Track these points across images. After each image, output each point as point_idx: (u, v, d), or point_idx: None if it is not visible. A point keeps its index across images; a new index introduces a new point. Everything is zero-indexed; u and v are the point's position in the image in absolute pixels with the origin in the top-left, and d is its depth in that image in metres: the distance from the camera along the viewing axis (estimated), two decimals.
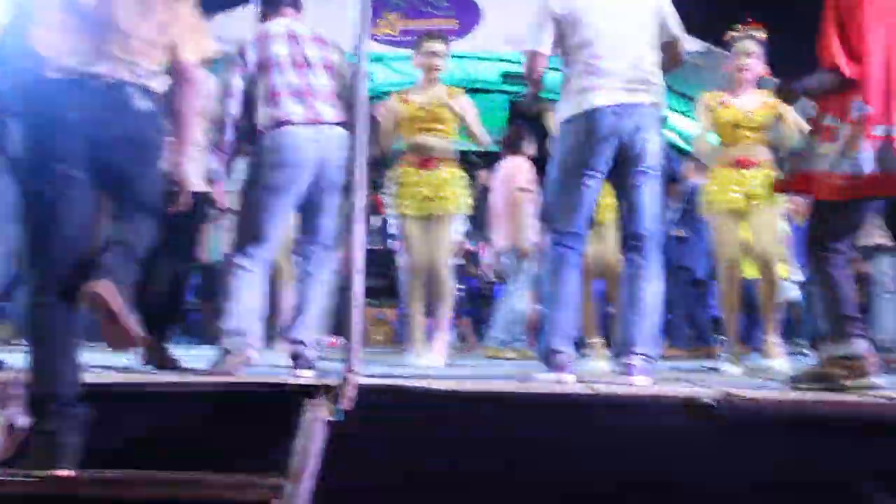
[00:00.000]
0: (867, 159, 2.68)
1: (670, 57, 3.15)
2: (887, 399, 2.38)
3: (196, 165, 3.15)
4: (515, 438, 2.24)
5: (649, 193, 3.02)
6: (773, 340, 3.97)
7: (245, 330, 2.98)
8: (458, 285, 5.58)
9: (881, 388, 2.54)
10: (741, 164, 3.97)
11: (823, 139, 2.78)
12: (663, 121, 3.23)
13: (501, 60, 7.62)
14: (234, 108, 3.10)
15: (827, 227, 2.81)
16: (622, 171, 3.01)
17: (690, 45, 4.12)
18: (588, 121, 2.96)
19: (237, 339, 2.97)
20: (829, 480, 2.13)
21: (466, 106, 4.24)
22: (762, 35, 4.02)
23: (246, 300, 3.02)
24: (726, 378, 3.49)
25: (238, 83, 3.11)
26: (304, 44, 3.15)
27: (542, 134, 4.50)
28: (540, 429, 2.26)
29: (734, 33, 4.03)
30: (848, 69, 2.71)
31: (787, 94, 3.25)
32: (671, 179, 5.29)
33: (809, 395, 2.50)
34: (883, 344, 4.39)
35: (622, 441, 2.21)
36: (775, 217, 4.02)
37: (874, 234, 4.25)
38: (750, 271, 4.27)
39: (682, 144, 7.87)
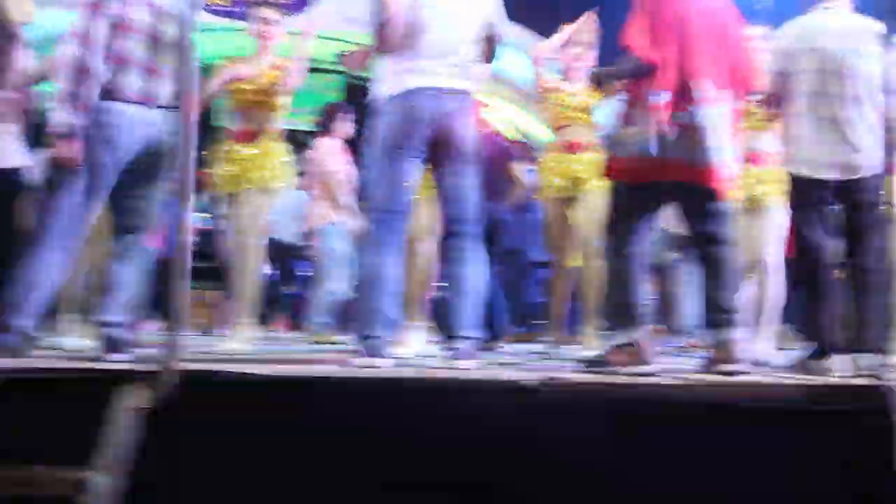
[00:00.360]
0: (662, 144, 2.88)
1: (487, 51, 3.19)
2: (703, 383, 2.56)
3: (7, 140, 2.90)
4: (339, 423, 2.20)
5: (469, 178, 3.05)
6: (591, 331, 4.11)
7: (32, 311, 2.79)
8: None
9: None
10: (570, 147, 4.12)
11: (626, 123, 2.98)
12: (488, 109, 3.31)
13: (337, 40, 7.48)
14: (99, 60, 2.84)
15: (623, 209, 3.01)
16: (441, 156, 3.03)
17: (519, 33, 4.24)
18: (407, 101, 2.96)
19: (24, 321, 2.77)
20: (639, 460, 2.24)
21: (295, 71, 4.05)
22: (595, 27, 4.19)
23: (40, 278, 2.81)
24: (543, 362, 3.60)
25: (104, 33, 2.85)
26: (160, 16, 2.97)
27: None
28: (365, 413, 2.24)
29: (567, 24, 4.18)
30: (649, 56, 2.91)
31: (595, 79, 3.44)
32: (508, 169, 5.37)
33: (627, 379, 2.61)
34: (683, 329, 4.71)
35: (448, 425, 2.21)
36: (603, 202, 4.18)
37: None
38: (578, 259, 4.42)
39: (509, 132, 8.08)
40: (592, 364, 2.93)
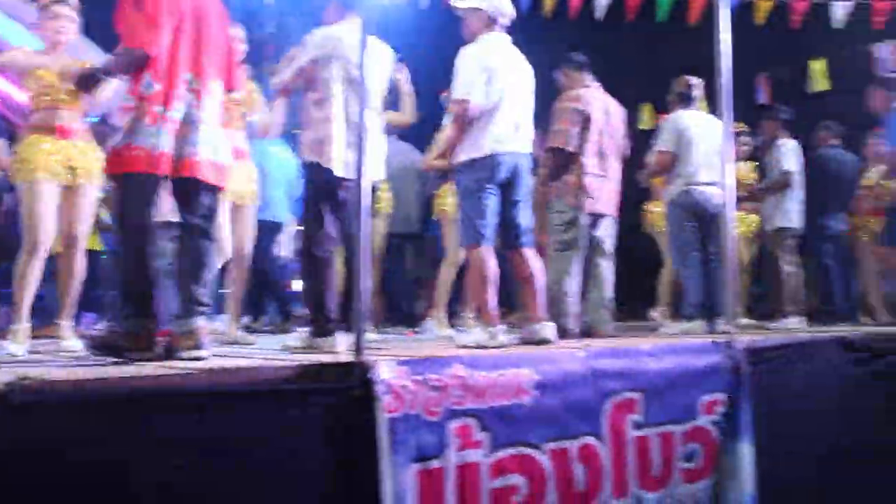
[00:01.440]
0: (150, 135, 2.90)
1: None
2: (197, 370, 2.50)
3: None
4: None
5: None
6: (66, 323, 3.93)
7: None
8: None
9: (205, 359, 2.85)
10: (61, 133, 3.81)
11: (123, 114, 2.95)
12: None
13: None
14: None
15: (130, 202, 2.94)
16: None
17: None
18: None
19: None
20: (138, 453, 2.13)
21: None
22: (75, 2, 3.95)
23: None
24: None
25: None
26: None
27: None
28: None
29: None
30: (143, 46, 2.91)
31: (82, 80, 3.39)
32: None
33: (116, 371, 2.47)
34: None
35: None
36: (95, 196, 3.97)
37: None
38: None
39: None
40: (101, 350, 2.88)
